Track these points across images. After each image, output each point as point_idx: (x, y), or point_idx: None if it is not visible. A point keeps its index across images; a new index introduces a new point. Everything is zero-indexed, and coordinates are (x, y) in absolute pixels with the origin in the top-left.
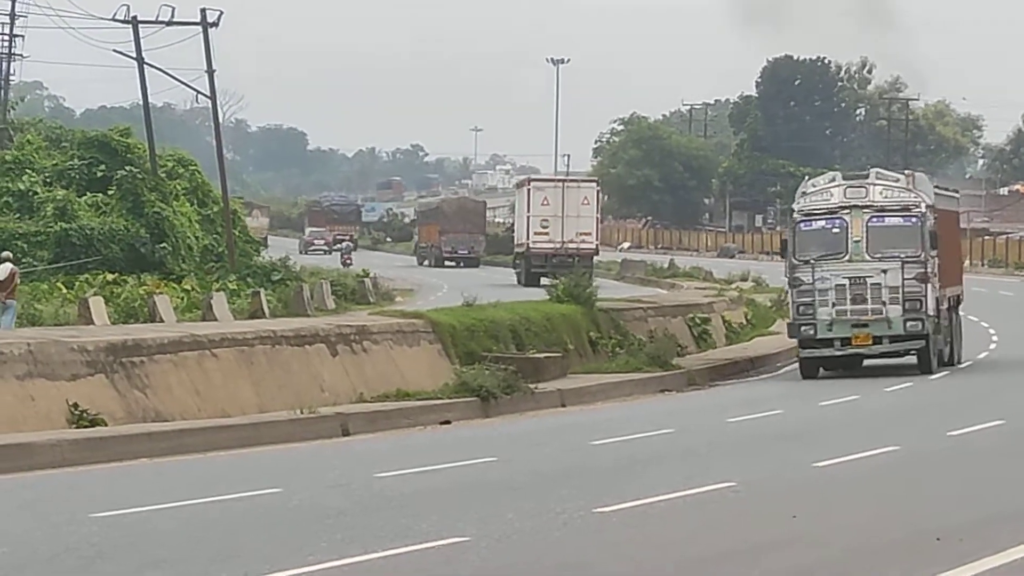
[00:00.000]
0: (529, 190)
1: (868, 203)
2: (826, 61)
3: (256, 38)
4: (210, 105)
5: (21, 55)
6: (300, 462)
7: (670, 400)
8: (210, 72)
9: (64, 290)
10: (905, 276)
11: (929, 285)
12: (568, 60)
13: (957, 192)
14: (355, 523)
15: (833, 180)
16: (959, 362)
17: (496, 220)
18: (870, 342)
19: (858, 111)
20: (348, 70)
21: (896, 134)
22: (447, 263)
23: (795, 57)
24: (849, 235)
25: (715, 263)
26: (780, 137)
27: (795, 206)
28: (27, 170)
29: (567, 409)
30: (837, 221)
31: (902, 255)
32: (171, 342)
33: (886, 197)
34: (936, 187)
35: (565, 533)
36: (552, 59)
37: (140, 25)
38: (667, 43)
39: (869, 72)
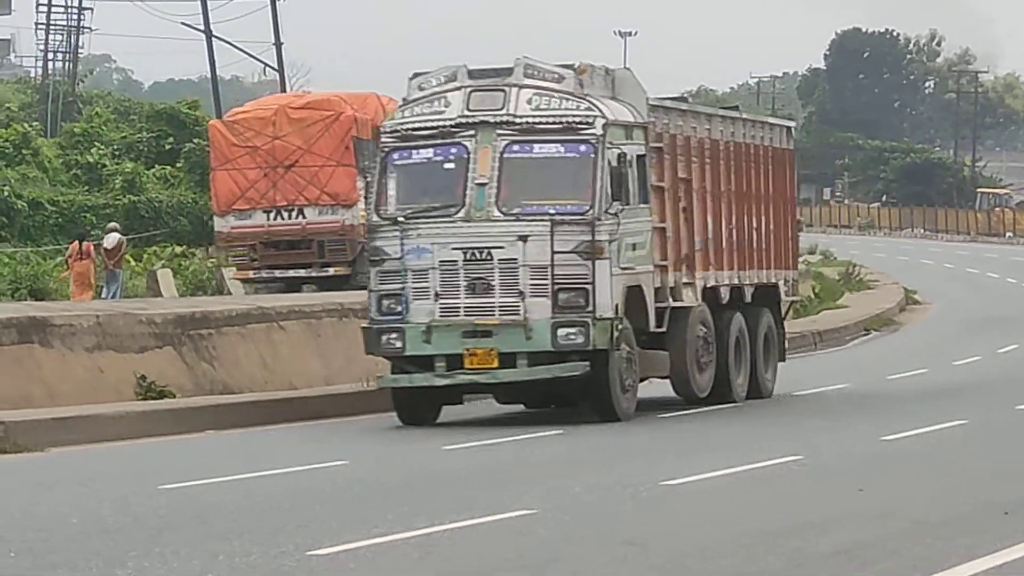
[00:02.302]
0: None
1: (506, 118)
2: (895, 33)
3: (324, 7)
4: (278, 78)
5: (90, 28)
6: (366, 434)
7: None
8: (278, 44)
9: (132, 263)
10: (558, 248)
11: (603, 263)
12: (636, 33)
13: (792, 121)
14: (421, 496)
15: (453, 78)
16: (767, 392)
17: None
18: (493, 363)
19: (927, 84)
20: (417, 40)
21: (965, 107)
22: None
23: (864, 29)
24: (470, 174)
25: None
26: (848, 110)
27: (387, 123)
28: (96, 143)
29: None
30: (453, 150)
31: (555, 210)
32: (239, 314)
33: (538, 108)
34: (672, 97)
35: (632, 507)
36: (619, 31)
37: None
38: (735, 16)
39: (938, 44)
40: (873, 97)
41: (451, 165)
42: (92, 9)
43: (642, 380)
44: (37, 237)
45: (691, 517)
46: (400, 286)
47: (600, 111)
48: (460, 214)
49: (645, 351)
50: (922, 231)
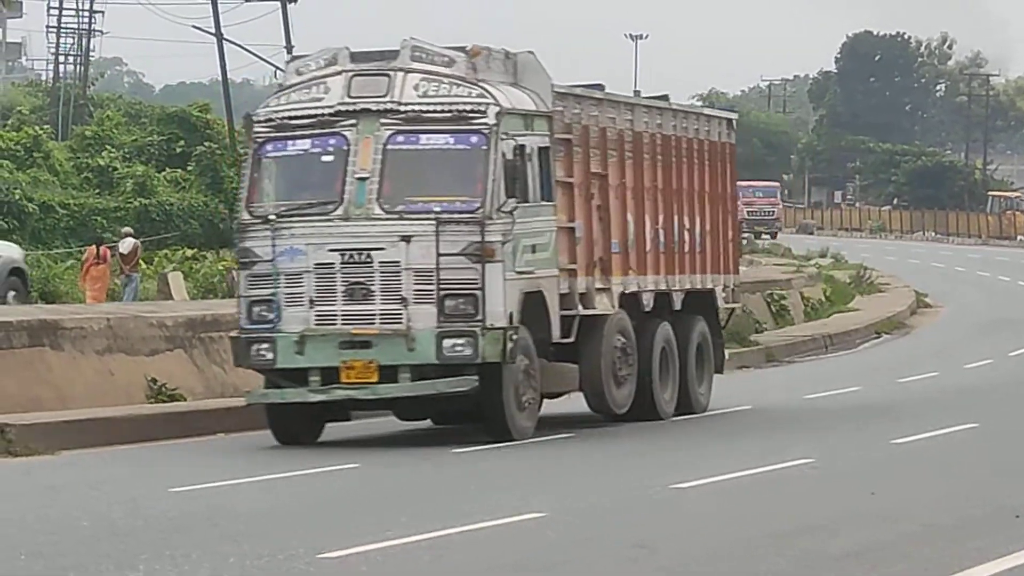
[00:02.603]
0: None
1: (391, 105)
2: (906, 36)
3: (333, 12)
4: None
5: (101, 31)
6: (378, 437)
7: (748, 376)
8: (289, 47)
9: (143, 266)
10: (444, 250)
11: (494, 267)
12: (647, 36)
13: (734, 113)
14: (434, 498)
15: (334, 61)
16: (700, 408)
17: None
18: (373, 377)
19: (938, 87)
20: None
21: (976, 110)
22: None
23: (875, 32)
24: (349, 168)
25: (794, 239)
26: (859, 113)
27: (260, 111)
28: (107, 146)
29: None
30: (331, 141)
31: (442, 207)
32: None
33: (426, 95)
34: (582, 86)
35: (642, 509)
36: (630, 34)
37: (219, 1)
38: (746, 19)
39: (950, 47)
40: (884, 100)
41: (329, 158)
42: (103, 12)
43: (557, 395)
44: (48, 240)
45: (701, 520)
46: (272, 291)
47: (494, 98)
48: (338, 212)
49: (551, 364)
50: (933, 234)
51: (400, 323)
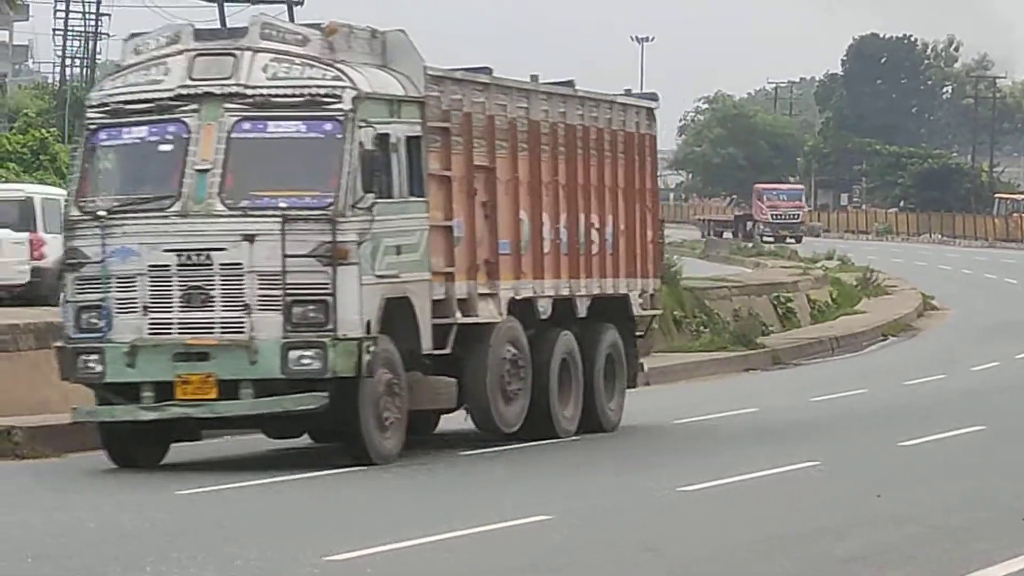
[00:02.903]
0: None
1: (237, 89)
2: (912, 39)
3: (339, 14)
4: None
5: (108, 34)
6: None
7: (754, 379)
8: None
9: None
10: (291, 251)
11: (348, 270)
12: (652, 39)
13: (654, 102)
14: (439, 501)
15: (176, 39)
16: (610, 425)
17: None
18: (211, 393)
19: (944, 89)
20: (433, 46)
21: (983, 112)
22: None
23: (881, 35)
24: (189, 158)
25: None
26: (866, 115)
27: (93, 95)
28: None
29: (651, 388)
30: (171, 128)
31: (289, 203)
32: None
33: (276, 77)
34: (475, 68)
35: (648, 512)
36: (636, 37)
37: (225, 4)
38: (752, 21)
39: (956, 50)
40: (891, 102)
41: (168, 147)
42: (110, 15)
43: (449, 411)
44: None
45: (707, 522)
46: (101, 296)
47: (351, 81)
48: (175, 208)
49: (425, 378)
50: (940, 236)
51: (242, 332)
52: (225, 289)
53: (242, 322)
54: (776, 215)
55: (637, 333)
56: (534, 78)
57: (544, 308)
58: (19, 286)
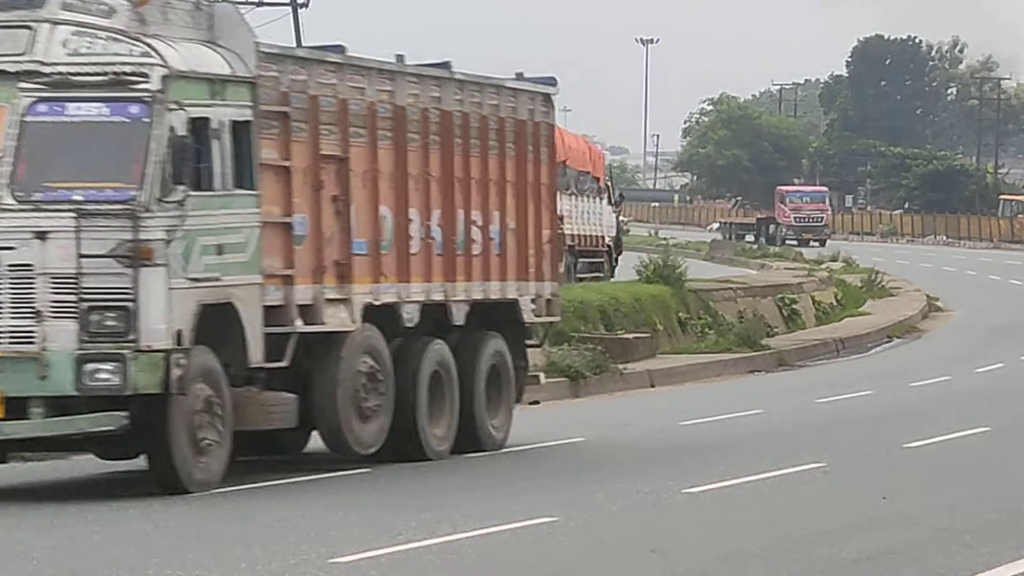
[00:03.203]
0: None
1: (32, 66)
2: (917, 40)
3: (345, 15)
4: None
5: None
6: None
7: (759, 381)
8: None
9: None
10: (88, 250)
11: (153, 272)
12: (657, 40)
13: (552, 87)
14: (444, 503)
15: None
16: (494, 444)
17: None
18: None
19: (949, 90)
20: (437, 47)
21: (987, 113)
22: None
23: (886, 36)
24: None
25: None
26: (870, 117)
27: None
28: None
29: (656, 389)
30: None
31: (85, 196)
32: None
33: (77, 53)
34: (330, 46)
35: (654, 514)
36: (641, 39)
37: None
38: (757, 24)
39: (960, 51)
40: (895, 104)
41: None
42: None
43: (309, 430)
44: None
45: (714, 524)
46: None
47: (161, 57)
48: None
49: (255, 394)
50: (944, 238)
51: (32, 343)
52: (13, 293)
53: (32, 331)
54: (799, 218)
55: (530, 342)
56: (399, 58)
57: (411, 315)
58: None
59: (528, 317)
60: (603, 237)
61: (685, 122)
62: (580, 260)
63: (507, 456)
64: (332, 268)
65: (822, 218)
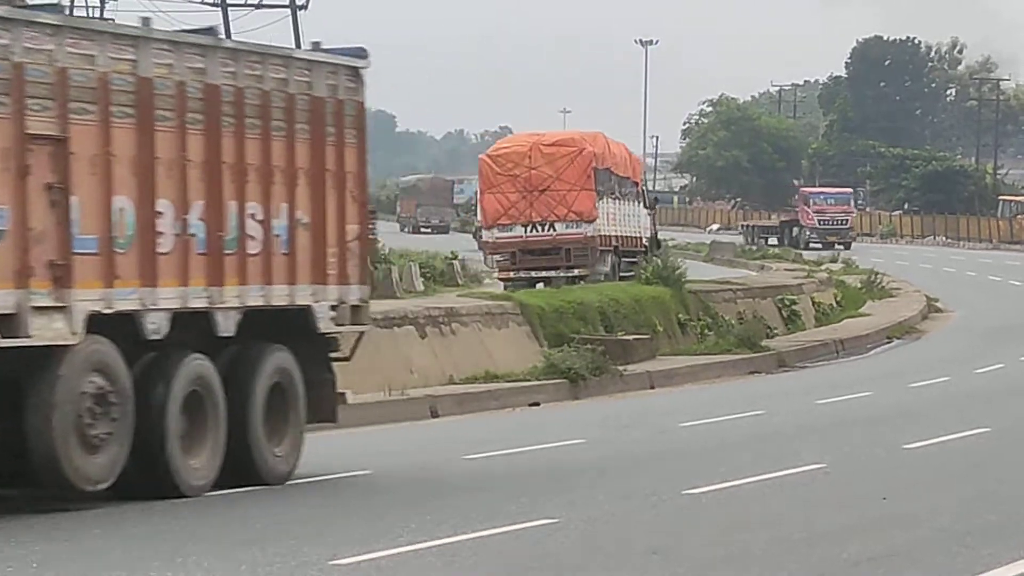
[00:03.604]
0: None
1: None
2: (916, 41)
3: (344, 20)
4: None
5: None
6: (389, 444)
7: (759, 382)
8: None
9: None
10: None
11: None
12: (656, 42)
13: (362, 60)
14: (444, 505)
15: None
16: (276, 475)
17: None
18: None
19: (948, 91)
20: (436, 51)
21: (987, 114)
22: (422, 230)
23: (885, 37)
24: None
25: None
26: (870, 118)
27: None
28: None
29: (656, 391)
30: None
31: None
32: None
33: None
34: (25, 6)
35: (654, 515)
36: (640, 40)
37: (229, 8)
38: (756, 25)
39: (960, 52)
40: (894, 105)
41: None
42: (113, 20)
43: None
44: None
45: (714, 525)
46: None
47: None
48: None
49: None
50: (944, 239)
51: None
52: None
53: None
54: (823, 220)
55: (335, 355)
56: (145, 21)
57: (157, 325)
58: None
59: (326, 326)
60: (640, 238)
61: (684, 123)
62: (623, 259)
63: (507, 457)
64: (44, 270)
65: (847, 220)
